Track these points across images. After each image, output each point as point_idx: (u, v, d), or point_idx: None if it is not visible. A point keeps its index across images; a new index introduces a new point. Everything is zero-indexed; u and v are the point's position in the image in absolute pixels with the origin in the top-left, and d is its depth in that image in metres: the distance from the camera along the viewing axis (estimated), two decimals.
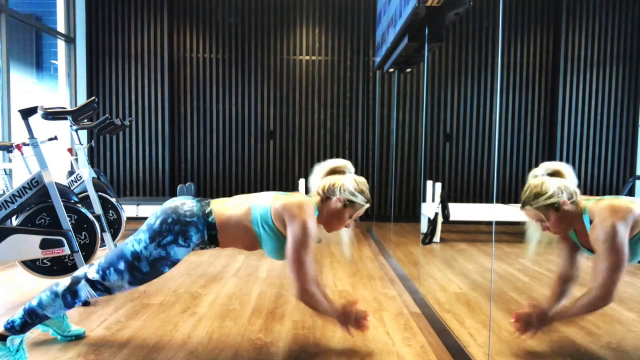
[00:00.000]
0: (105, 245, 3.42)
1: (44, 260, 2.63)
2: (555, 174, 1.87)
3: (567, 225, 1.88)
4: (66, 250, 2.51)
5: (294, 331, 2.20)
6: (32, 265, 2.64)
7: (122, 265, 1.79)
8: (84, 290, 1.83)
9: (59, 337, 2.05)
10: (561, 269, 2.05)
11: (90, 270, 1.85)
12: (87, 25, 5.92)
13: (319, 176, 1.97)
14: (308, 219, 1.82)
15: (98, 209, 3.33)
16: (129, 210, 4.43)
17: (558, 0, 5.94)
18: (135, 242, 1.81)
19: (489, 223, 5.22)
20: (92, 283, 1.82)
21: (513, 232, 5.31)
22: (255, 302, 2.65)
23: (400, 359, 1.93)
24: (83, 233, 2.76)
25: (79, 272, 1.88)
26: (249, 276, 3.25)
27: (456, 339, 2.08)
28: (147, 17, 5.94)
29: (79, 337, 2.07)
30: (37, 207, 2.58)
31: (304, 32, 6.10)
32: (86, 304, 2.51)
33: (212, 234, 1.85)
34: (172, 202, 1.87)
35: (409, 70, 4.31)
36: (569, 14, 5.93)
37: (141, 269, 1.78)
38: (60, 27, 5.76)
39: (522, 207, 1.91)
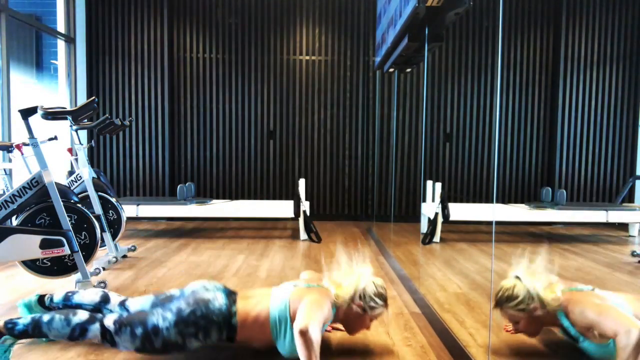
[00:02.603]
0: (105, 245, 3.42)
1: (44, 260, 2.63)
2: (532, 274, 1.93)
3: (539, 327, 1.93)
4: (66, 250, 2.51)
5: None
6: (32, 265, 2.64)
7: (139, 331, 1.80)
8: (93, 333, 1.83)
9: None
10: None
11: (109, 318, 1.85)
12: (87, 25, 5.92)
13: (343, 272, 1.99)
14: (324, 309, 1.83)
15: (98, 209, 3.33)
16: (129, 210, 4.42)
17: (558, 0, 5.94)
18: (162, 317, 1.81)
19: (489, 223, 5.22)
20: (104, 330, 1.83)
21: (513, 232, 5.31)
22: None
23: (400, 359, 1.93)
24: (83, 233, 2.77)
25: (100, 316, 1.89)
26: (249, 276, 3.25)
27: (456, 339, 2.08)
28: (147, 17, 5.94)
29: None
30: (37, 207, 2.58)
31: (304, 32, 6.10)
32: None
33: (230, 335, 1.86)
34: (205, 293, 1.87)
35: (409, 70, 4.30)
36: (569, 14, 5.93)
37: (153, 344, 1.80)
38: (60, 27, 5.76)
39: (495, 307, 1.96)
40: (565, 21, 5.91)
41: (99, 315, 1.89)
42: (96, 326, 1.83)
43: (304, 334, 1.69)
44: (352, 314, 1.93)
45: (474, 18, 6.01)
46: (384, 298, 1.96)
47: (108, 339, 1.82)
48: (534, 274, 1.93)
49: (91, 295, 2.09)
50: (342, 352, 1.99)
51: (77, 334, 1.83)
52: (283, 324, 1.83)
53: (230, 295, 1.94)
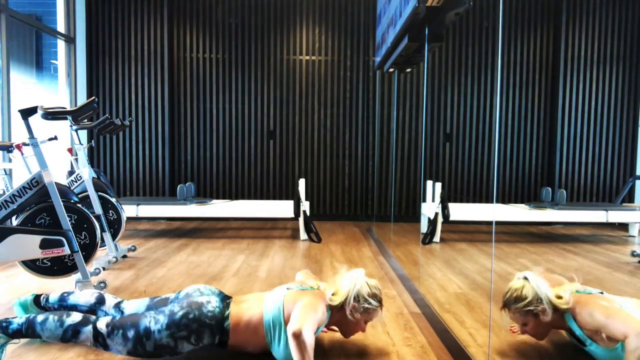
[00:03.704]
0: (105, 245, 3.42)
1: (44, 260, 2.63)
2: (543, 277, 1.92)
3: (547, 329, 1.92)
4: (66, 250, 2.51)
5: None
6: (32, 265, 2.64)
7: (130, 334, 1.80)
8: (86, 335, 1.83)
9: None
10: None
11: (101, 321, 1.85)
12: (87, 25, 5.92)
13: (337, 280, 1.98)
14: (320, 317, 1.83)
15: (98, 209, 3.33)
16: (129, 210, 4.43)
17: (558, 0, 5.94)
18: (154, 320, 1.81)
19: (489, 223, 5.22)
20: (96, 333, 1.83)
21: (513, 232, 5.31)
22: None
23: (400, 359, 1.93)
24: (83, 233, 2.76)
25: (93, 318, 1.89)
26: (249, 276, 3.25)
27: (456, 339, 2.08)
28: (147, 17, 5.94)
29: None
30: (37, 207, 2.58)
31: (304, 32, 6.10)
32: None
33: (223, 340, 1.85)
34: (199, 298, 1.87)
35: (409, 70, 4.30)
36: (569, 14, 5.93)
37: (145, 347, 1.79)
38: (60, 27, 5.76)
39: (502, 308, 1.96)
40: (565, 21, 5.91)
41: (92, 318, 1.88)
42: (89, 328, 1.83)
43: (297, 336, 1.68)
44: (347, 316, 1.92)
45: (474, 18, 6.01)
46: (378, 299, 1.96)
47: (100, 341, 1.82)
48: (543, 275, 1.92)
49: (86, 297, 2.09)
50: (342, 352, 1.99)
51: (70, 336, 1.83)
52: (277, 328, 1.83)
53: (225, 299, 1.94)
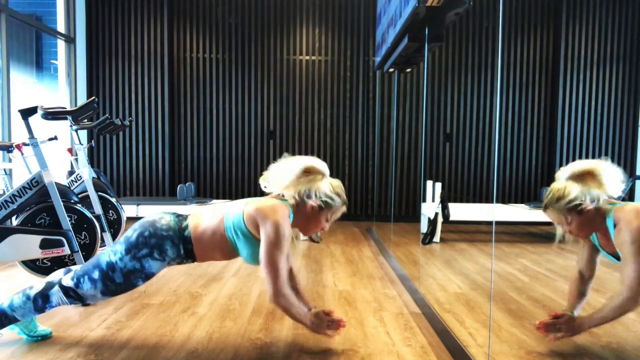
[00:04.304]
0: (105, 245, 3.42)
1: (44, 260, 2.64)
2: (583, 175, 1.84)
3: (589, 230, 1.87)
4: (66, 250, 2.51)
5: (294, 331, 2.19)
6: (32, 265, 2.64)
7: (96, 275, 1.80)
8: (56, 296, 1.83)
9: (25, 337, 2.03)
10: (581, 269, 2.04)
11: (65, 277, 1.85)
12: (87, 25, 5.92)
13: (291, 177, 1.87)
14: (281, 220, 1.78)
15: (98, 209, 3.33)
16: (129, 210, 4.42)
17: (558, 0, 5.94)
18: (111, 252, 1.82)
19: (489, 223, 5.22)
20: (65, 289, 1.83)
21: (513, 232, 5.31)
22: (255, 302, 2.65)
23: (400, 359, 1.93)
24: (83, 233, 2.77)
25: (53, 278, 1.88)
26: (249, 276, 3.25)
27: (456, 339, 2.08)
28: (147, 17, 5.94)
29: (45, 338, 2.04)
30: (37, 207, 2.58)
31: (304, 32, 6.10)
32: (86, 304, 2.50)
33: (187, 248, 1.84)
34: (150, 217, 1.88)
35: (409, 70, 4.30)
36: (569, 14, 5.93)
37: (114, 280, 1.79)
38: (60, 27, 5.76)
39: (544, 209, 1.90)
40: (565, 21, 5.91)
41: (55, 280, 1.87)
42: (56, 289, 1.83)
43: (276, 303, 1.74)
44: (308, 213, 1.88)
45: (474, 18, 6.02)
46: (342, 197, 1.91)
47: (73, 295, 1.82)
48: (586, 177, 1.85)
49: (57, 274, 2.03)
50: (342, 352, 1.99)
51: (41, 304, 1.84)
52: (239, 233, 1.81)
53: (179, 216, 1.92)
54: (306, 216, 1.90)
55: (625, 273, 1.71)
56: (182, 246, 1.83)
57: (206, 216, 1.89)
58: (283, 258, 1.79)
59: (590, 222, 1.83)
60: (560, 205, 1.83)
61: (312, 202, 1.86)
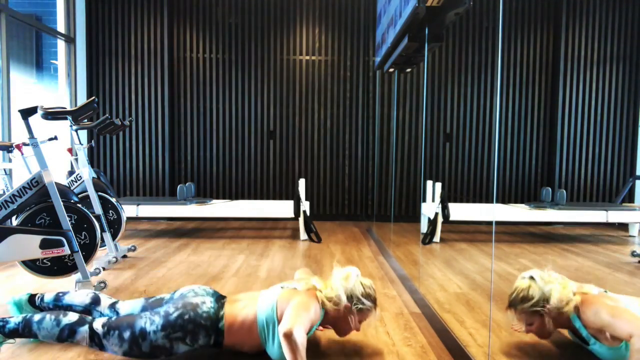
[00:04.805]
0: (105, 245, 3.42)
1: (44, 260, 2.63)
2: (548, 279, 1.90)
3: (553, 328, 1.91)
4: (66, 250, 2.51)
5: None
6: (32, 265, 2.64)
7: (127, 335, 1.81)
8: (82, 335, 1.84)
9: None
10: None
11: (97, 321, 1.86)
12: (87, 25, 5.92)
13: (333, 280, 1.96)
14: (312, 306, 1.84)
15: (98, 209, 3.33)
16: (129, 210, 4.42)
17: (558, 0, 5.94)
18: (149, 321, 1.82)
19: (489, 223, 5.22)
20: (92, 333, 1.83)
21: (513, 232, 5.31)
22: None
23: (400, 359, 1.93)
24: (83, 233, 2.77)
25: (89, 318, 1.89)
26: (249, 276, 3.25)
27: (456, 339, 2.08)
28: (147, 17, 5.94)
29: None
30: (37, 207, 2.58)
31: (304, 32, 6.10)
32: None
33: (218, 340, 1.85)
34: (194, 298, 1.87)
35: (409, 70, 4.30)
36: (569, 14, 5.93)
37: (141, 348, 1.80)
38: (60, 27, 5.76)
39: (508, 308, 1.95)
40: (565, 21, 5.91)
41: (89, 318, 1.89)
42: (85, 328, 1.84)
43: (288, 337, 1.68)
44: (341, 315, 1.92)
45: (474, 18, 6.01)
46: (372, 299, 1.96)
47: (96, 341, 1.83)
48: (548, 275, 1.92)
49: (82, 297, 2.09)
50: (342, 352, 1.99)
51: (66, 335, 1.84)
52: (270, 327, 1.83)
53: (219, 299, 1.94)
54: (339, 319, 1.94)
55: (624, 330, 1.70)
56: (214, 337, 1.84)
57: (243, 305, 1.90)
58: (308, 321, 1.79)
59: (554, 322, 1.88)
60: (524, 307, 1.88)
61: (345, 306, 1.91)
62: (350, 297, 1.91)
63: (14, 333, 1.88)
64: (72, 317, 1.87)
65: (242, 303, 1.91)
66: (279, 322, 1.81)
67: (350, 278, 1.95)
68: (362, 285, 1.94)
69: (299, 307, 1.80)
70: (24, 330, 1.87)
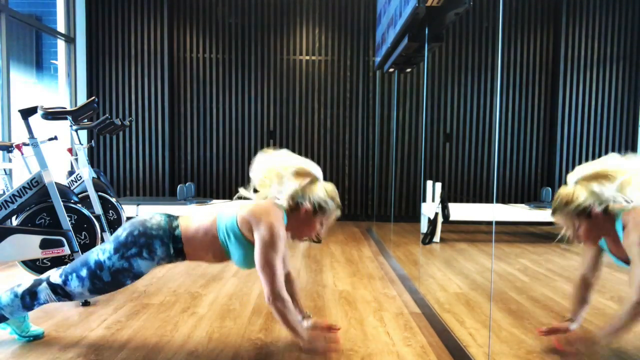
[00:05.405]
0: None
1: (44, 260, 2.64)
2: (593, 178, 1.80)
3: (598, 235, 1.85)
4: (66, 250, 2.51)
5: None
6: (32, 265, 2.64)
7: (84, 273, 1.79)
8: (44, 293, 1.83)
9: (17, 337, 2.02)
10: (585, 273, 2.01)
11: (54, 274, 1.85)
12: (87, 25, 5.92)
13: (285, 181, 1.85)
14: (275, 222, 1.77)
15: (98, 209, 3.33)
16: (129, 210, 4.42)
17: (558, 0, 5.94)
18: (100, 251, 1.81)
19: (489, 223, 5.22)
20: (53, 287, 1.83)
21: (513, 232, 5.31)
22: (255, 302, 2.65)
23: (400, 359, 1.93)
24: (83, 233, 2.77)
25: (42, 275, 1.88)
26: (249, 276, 3.25)
27: (456, 339, 2.08)
28: (147, 17, 5.94)
29: (37, 338, 2.04)
30: (37, 207, 2.58)
31: (304, 32, 6.10)
32: (86, 303, 2.51)
33: (177, 247, 1.83)
34: (141, 217, 1.88)
35: (409, 70, 4.30)
36: (569, 14, 5.93)
37: (102, 278, 1.78)
38: (60, 27, 5.76)
39: (553, 213, 1.88)
40: (565, 21, 5.91)
41: (44, 277, 1.87)
42: (44, 285, 1.83)
43: (272, 302, 1.71)
44: (302, 217, 1.87)
45: (474, 18, 6.01)
46: (336, 201, 1.91)
47: (60, 292, 1.82)
48: (595, 179, 1.80)
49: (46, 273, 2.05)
50: (343, 352, 1.98)
51: (29, 301, 1.84)
52: (232, 235, 1.80)
53: (171, 216, 1.91)
54: (300, 220, 1.89)
55: (634, 276, 1.67)
56: (171, 245, 1.82)
57: (198, 216, 1.89)
58: (279, 260, 1.78)
59: (599, 226, 1.80)
60: (569, 209, 1.80)
61: (307, 205, 1.85)
62: (310, 198, 1.85)
63: None
64: (26, 283, 1.87)
65: (199, 216, 1.89)
66: (239, 229, 1.79)
67: (312, 181, 1.88)
68: (324, 190, 1.89)
69: (265, 249, 1.74)
70: None
